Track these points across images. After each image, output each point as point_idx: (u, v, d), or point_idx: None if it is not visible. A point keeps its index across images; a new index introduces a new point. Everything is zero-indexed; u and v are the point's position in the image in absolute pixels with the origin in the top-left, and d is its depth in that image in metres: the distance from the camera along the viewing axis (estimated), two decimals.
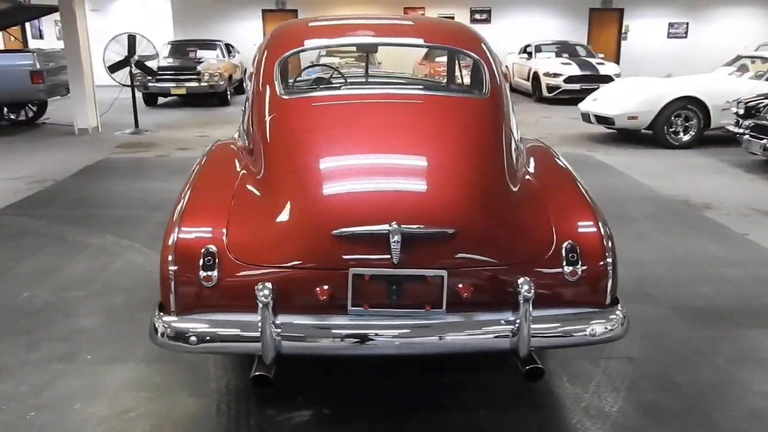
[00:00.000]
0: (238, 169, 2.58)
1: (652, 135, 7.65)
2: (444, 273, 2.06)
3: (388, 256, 2.02)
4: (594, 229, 2.21)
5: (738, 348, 2.86)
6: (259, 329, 1.98)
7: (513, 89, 13.13)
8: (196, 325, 2.07)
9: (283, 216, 2.21)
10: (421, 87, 3.63)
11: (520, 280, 2.03)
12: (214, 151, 2.92)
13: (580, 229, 2.21)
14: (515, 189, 2.40)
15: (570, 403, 2.46)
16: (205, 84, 12.05)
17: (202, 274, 2.08)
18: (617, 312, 2.16)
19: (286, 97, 2.79)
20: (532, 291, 2.00)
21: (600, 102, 8.07)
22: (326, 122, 2.69)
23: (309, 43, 3.22)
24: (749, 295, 3.40)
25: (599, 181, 5.61)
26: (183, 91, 12.10)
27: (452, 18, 14.85)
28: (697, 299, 3.34)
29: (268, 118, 2.66)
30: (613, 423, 2.33)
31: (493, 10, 16.85)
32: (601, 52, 14.53)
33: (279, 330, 2.01)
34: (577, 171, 2.65)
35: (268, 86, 2.76)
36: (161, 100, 12.75)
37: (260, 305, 1.96)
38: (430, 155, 2.44)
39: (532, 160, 2.73)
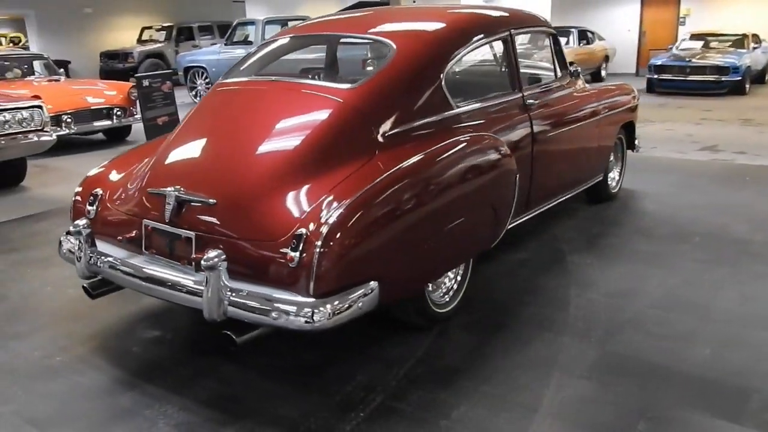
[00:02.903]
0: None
1: None
2: (192, 234, 2.53)
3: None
4: (318, 226, 2.32)
5: None
6: (78, 250, 2.78)
7: None
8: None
9: (137, 175, 2.96)
10: (308, 77, 3.65)
11: (211, 252, 2.34)
12: None
13: (312, 223, 2.34)
14: (297, 181, 2.55)
15: None
16: None
17: (87, 207, 2.96)
18: (324, 307, 2.25)
19: (220, 80, 3.44)
20: (217, 261, 2.31)
21: None
22: (206, 105, 3.35)
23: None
24: None
25: None
26: None
27: None
28: None
29: None
30: None
31: None
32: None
33: (92, 255, 2.75)
34: None
35: None
36: None
37: (79, 234, 2.75)
38: (240, 140, 2.87)
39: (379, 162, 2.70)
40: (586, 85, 5.15)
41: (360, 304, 2.36)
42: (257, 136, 2.84)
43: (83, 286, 2.90)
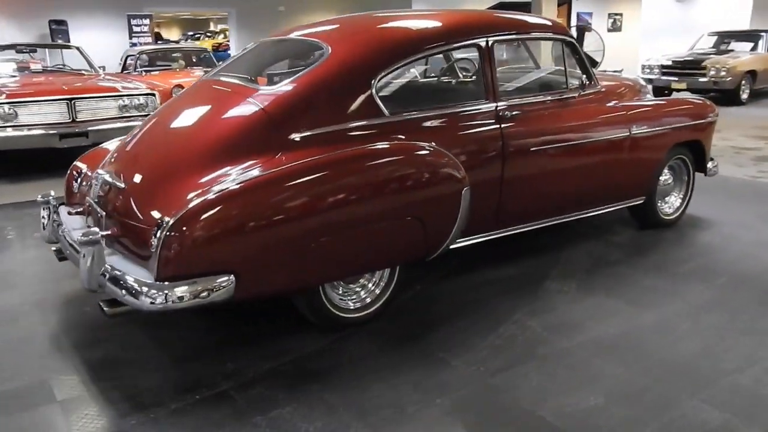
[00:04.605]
0: None
1: None
2: (103, 213, 2.92)
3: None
4: (175, 214, 2.50)
5: None
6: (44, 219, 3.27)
7: None
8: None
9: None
10: (249, 78, 3.62)
11: (93, 228, 2.74)
12: None
13: (174, 211, 2.52)
14: (192, 174, 2.74)
15: None
16: (708, 79, 11.12)
17: (74, 184, 3.44)
18: (168, 291, 2.45)
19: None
20: (93, 237, 2.57)
21: None
22: (170, 101, 3.67)
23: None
24: None
25: None
26: (683, 86, 11.43)
27: None
28: None
29: None
30: None
31: None
32: None
33: (54, 225, 3.23)
34: None
35: None
36: None
37: (47, 203, 3.24)
38: (165, 134, 3.20)
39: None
40: (650, 96, 4.69)
41: (207, 294, 2.50)
42: (178, 131, 3.12)
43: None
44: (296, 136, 2.90)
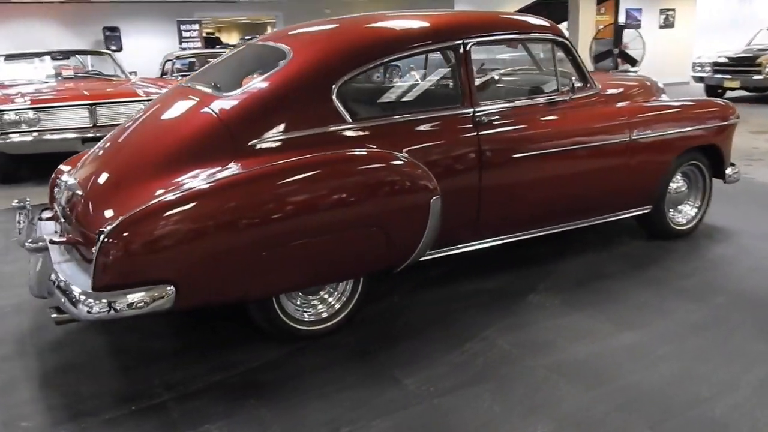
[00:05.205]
0: None
1: None
2: (64, 219, 2.96)
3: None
4: (113, 224, 2.46)
5: None
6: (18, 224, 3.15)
7: None
8: None
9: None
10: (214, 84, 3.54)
11: (40, 236, 2.86)
12: None
13: (114, 220, 2.49)
14: (142, 183, 2.70)
15: None
16: (764, 77, 10.88)
17: (56, 188, 3.39)
18: (102, 300, 2.41)
19: None
20: (38, 245, 2.71)
21: None
22: (150, 104, 3.61)
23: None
24: None
25: None
26: (736, 84, 11.22)
27: None
28: None
29: None
30: None
31: None
32: None
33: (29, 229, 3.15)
34: None
35: None
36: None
37: (22, 208, 3.15)
38: (127, 141, 3.16)
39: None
40: (666, 97, 4.42)
41: (144, 304, 2.46)
42: (136, 138, 3.11)
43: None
44: (253, 144, 2.83)
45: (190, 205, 2.56)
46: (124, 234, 2.45)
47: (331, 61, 3.04)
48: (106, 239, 2.43)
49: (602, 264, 3.91)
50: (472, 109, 3.29)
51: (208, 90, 3.17)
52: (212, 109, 2.94)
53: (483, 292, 3.54)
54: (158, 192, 2.62)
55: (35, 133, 6.23)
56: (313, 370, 2.79)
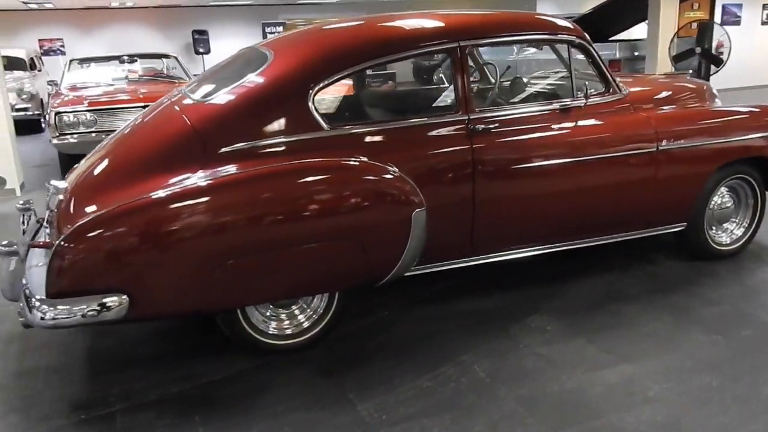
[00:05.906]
0: None
1: None
2: (46, 223, 3.03)
3: None
4: (67, 231, 2.45)
5: None
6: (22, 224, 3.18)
7: None
8: None
9: None
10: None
11: (8, 241, 2.73)
12: None
13: (70, 227, 2.48)
14: (112, 190, 2.65)
15: None
16: None
17: None
18: (53, 307, 2.42)
19: None
20: (10, 249, 2.67)
21: None
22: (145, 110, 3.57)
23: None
24: None
25: None
26: None
27: None
28: None
29: None
30: None
31: None
32: None
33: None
34: None
35: None
36: None
37: (26, 210, 3.17)
38: (115, 146, 3.11)
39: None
40: (719, 102, 4.02)
41: (95, 313, 2.44)
42: (120, 146, 3.09)
43: None
44: (224, 151, 2.77)
45: (146, 214, 2.53)
46: (77, 240, 2.45)
47: (307, 65, 2.92)
48: (60, 244, 2.44)
49: (622, 285, 3.57)
50: (466, 116, 3.08)
51: (190, 95, 3.15)
52: (186, 116, 2.91)
53: (480, 311, 3.32)
54: (121, 200, 2.61)
55: (93, 134, 6.51)
56: (273, 387, 2.69)
